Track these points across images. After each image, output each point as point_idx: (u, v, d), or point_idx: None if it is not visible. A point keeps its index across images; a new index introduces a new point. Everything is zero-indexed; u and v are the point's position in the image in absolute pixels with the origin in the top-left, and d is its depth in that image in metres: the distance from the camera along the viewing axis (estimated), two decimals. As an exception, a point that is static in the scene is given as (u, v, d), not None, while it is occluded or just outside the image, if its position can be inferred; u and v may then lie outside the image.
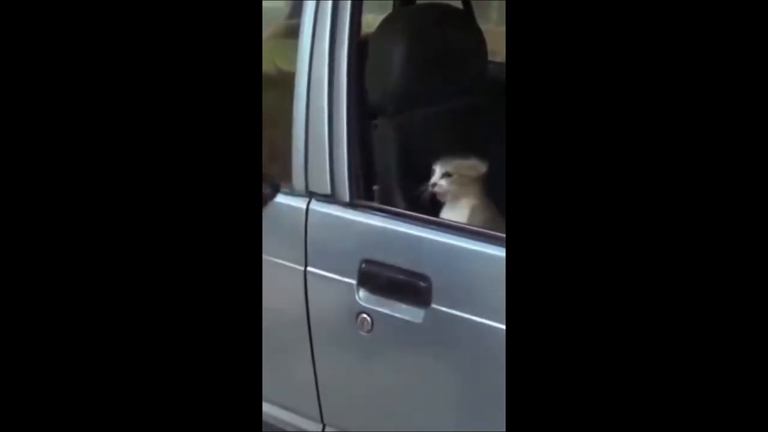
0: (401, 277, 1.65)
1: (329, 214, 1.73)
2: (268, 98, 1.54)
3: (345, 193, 1.72)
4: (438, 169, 1.77)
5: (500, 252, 1.49)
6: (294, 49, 1.78)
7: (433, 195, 1.77)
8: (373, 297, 1.70)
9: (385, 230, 1.67)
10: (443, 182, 1.76)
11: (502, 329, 1.47)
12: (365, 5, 1.75)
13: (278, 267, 1.77)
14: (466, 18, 2.35)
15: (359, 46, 1.76)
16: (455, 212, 1.75)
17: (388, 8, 2.11)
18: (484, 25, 2.28)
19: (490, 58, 2.21)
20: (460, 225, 1.65)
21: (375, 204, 1.73)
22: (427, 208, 1.73)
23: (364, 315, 1.70)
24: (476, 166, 1.78)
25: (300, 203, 1.77)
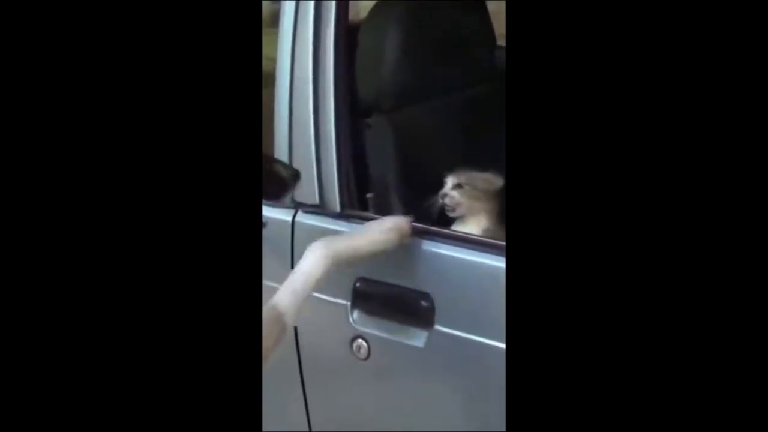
0: (400, 296, 1.63)
1: (318, 227, 1.71)
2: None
3: (335, 203, 1.71)
4: (449, 181, 1.77)
5: (512, 265, 1.48)
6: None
7: (442, 209, 1.76)
8: (370, 319, 1.68)
9: (380, 244, 1.65)
10: (454, 193, 1.76)
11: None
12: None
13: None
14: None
15: (348, 34, 1.75)
16: (464, 230, 1.74)
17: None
18: (492, 5, 2.27)
19: (500, 42, 2.20)
20: (464, 236, 1.63)
21: (369, 214, 1.71)
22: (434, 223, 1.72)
23: (360, 340, 1.69)
24: (492, 180, 1.78)
25: (285, 215, 1.76)
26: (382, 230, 1.56)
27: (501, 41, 2.22)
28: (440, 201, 1.76)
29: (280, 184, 1.62)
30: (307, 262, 1.46)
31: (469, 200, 1.76)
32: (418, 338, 1.63)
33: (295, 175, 1.66)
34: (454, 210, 1.77)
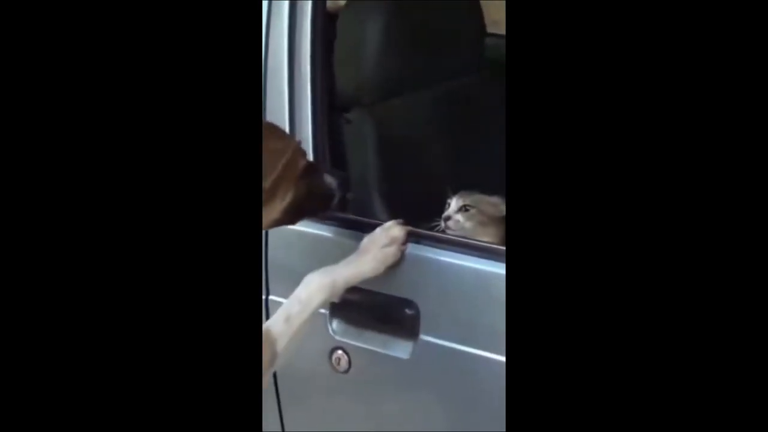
0: (383, 303, 1.62)
1: (293, 231, 1.67)
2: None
3: (312, 204, 1.69)
4: (454, 202, 1.76)
5: (502, 269, 1.46)
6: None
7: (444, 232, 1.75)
8: (350, 329, 1.67)
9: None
10: (459, 217, 1.74)
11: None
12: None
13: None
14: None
15: (326, 22, 1.74)
16: None
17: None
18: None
19: (491, 29, 2.20)
20: (451, 238, 1.63)
21: (349, 216, 1.69)
22: None
23: (340, 351, 1.68)
24: (499, 205, 1.77)
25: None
26: (381, 247, 1.55)
27: (491, 28, 2.21)
28: (443, 224, 1.74)
29: (326, 195, 1.58)
30: (305, 290, 1.49)
31: (473, 225, 1.75)
32: (402, 349, 1.61)
33: (344, 182, 1.61)
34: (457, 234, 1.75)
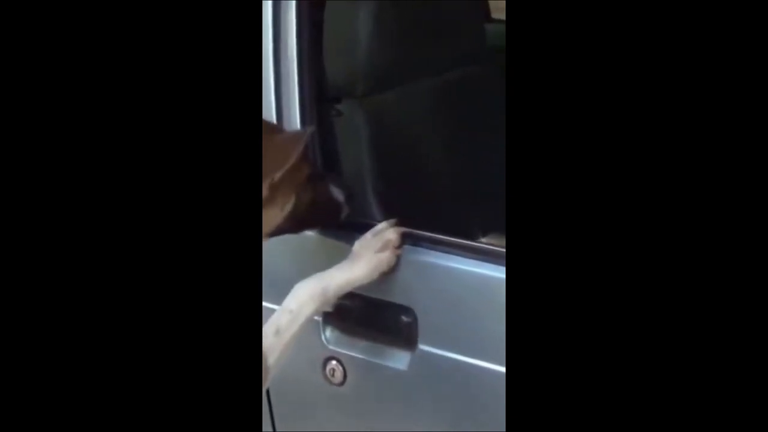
0: (379, 311, 1.61)
1: None
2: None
3: (302, 204, 1.68)
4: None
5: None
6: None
7: None
8: (345, 338, 1.66)
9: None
10: None
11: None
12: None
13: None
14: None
15: (314, 8, 1.73)
16: None
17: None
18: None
19: (496, 15, 2.26)
20: (450, 240, 1.59)
21: (341, 217, 1.66)
22: None
23: (334, 362, 1.67)
24: None
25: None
26: (374, 252, 1.53)
27: (496, 14, 2.21)
28: None
29: (332, 208, 1.57)
30: (295, 300, 1.49)
31: None
32: (399, 360, 1.61)
33: (350, 196, 1.60)
34: None
